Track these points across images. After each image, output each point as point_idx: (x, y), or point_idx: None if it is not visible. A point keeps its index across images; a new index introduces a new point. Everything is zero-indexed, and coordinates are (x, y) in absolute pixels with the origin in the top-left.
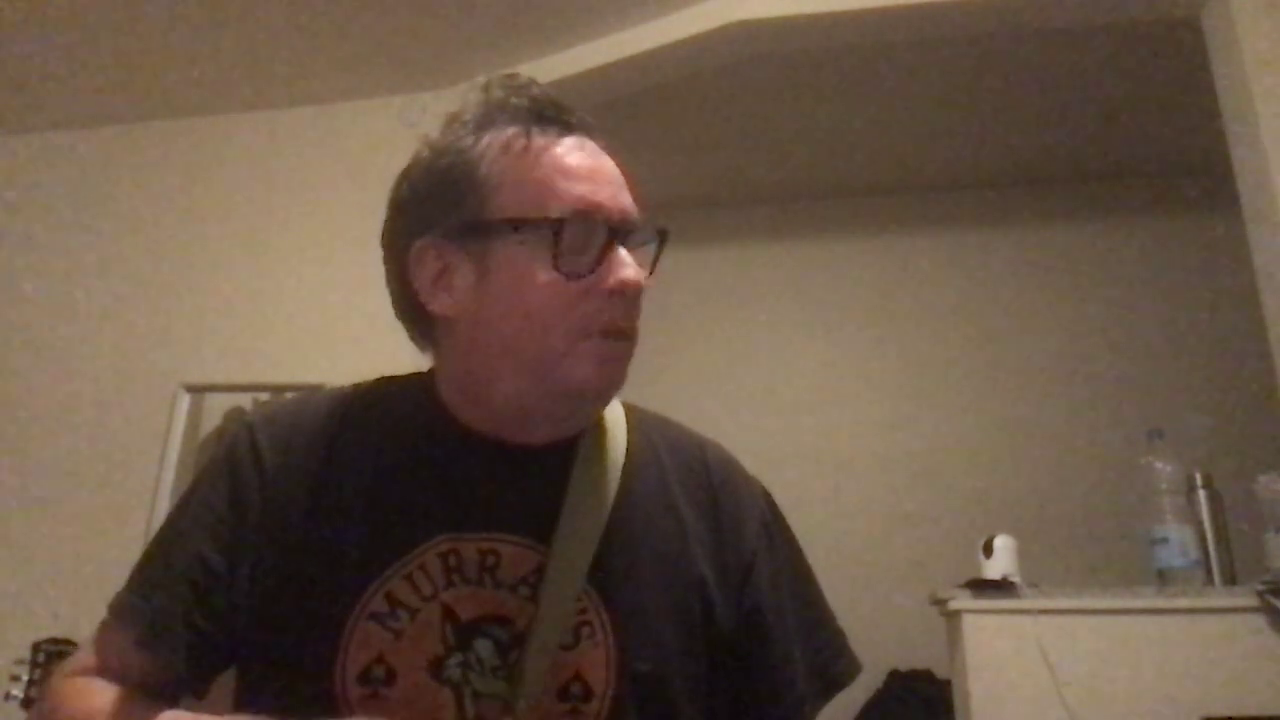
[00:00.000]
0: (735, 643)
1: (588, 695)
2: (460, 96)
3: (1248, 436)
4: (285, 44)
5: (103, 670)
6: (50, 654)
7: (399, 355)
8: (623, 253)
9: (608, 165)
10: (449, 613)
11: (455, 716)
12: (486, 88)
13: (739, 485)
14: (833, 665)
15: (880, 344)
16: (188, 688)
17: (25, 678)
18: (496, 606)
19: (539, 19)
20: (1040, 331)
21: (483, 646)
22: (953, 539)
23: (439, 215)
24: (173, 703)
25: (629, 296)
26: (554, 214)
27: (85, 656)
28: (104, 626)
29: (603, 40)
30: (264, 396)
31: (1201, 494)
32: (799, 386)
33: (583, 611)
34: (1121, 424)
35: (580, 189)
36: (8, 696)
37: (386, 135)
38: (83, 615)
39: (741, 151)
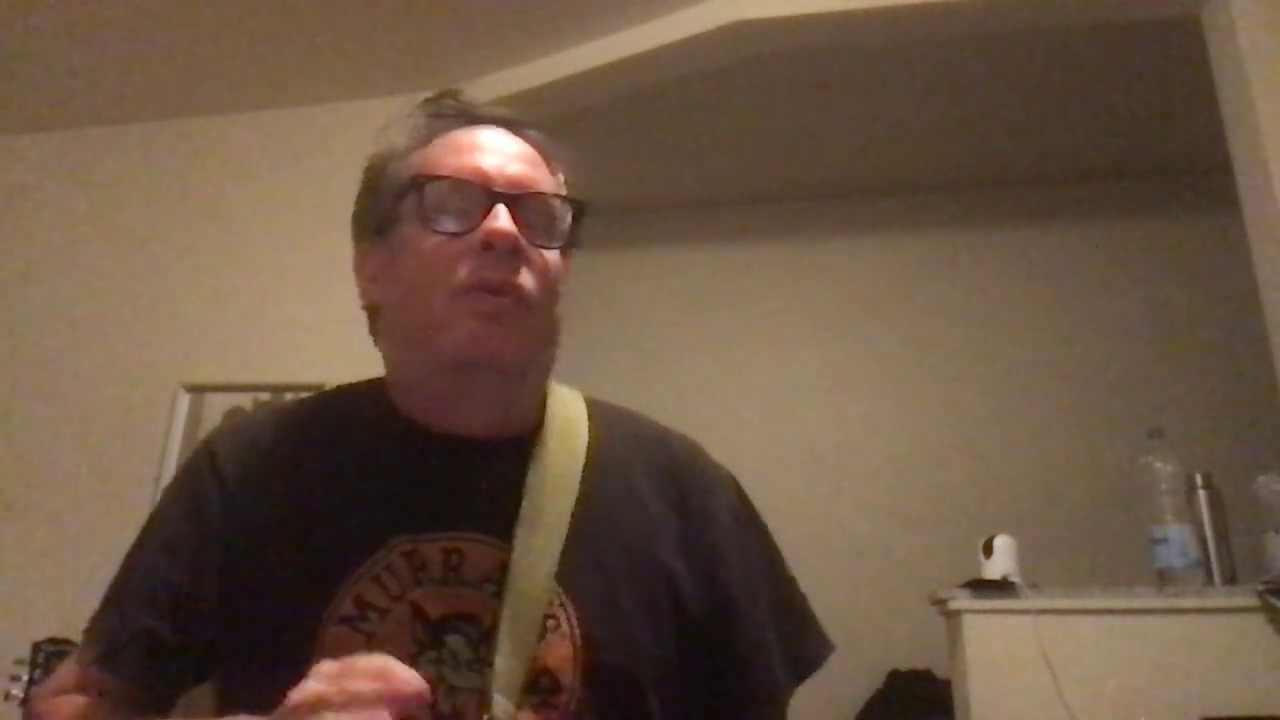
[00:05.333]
0: (707, 631)
1: (556, 688)
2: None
3: (1248, 436)
4: (286, 44)
5: (74, 690)
6: (50, 654)
7: None
8: (499, 210)
9: (505, 143)
10: (418, 611)
11: (431, 711)
12: (420, 104)
13: (706, 474)
14: (806, 647)
15: (880, 344)
16: (156, 702)
17: (25, 678)
18: (463, 604)
19: (539, 19)
20: (1040, 331)
21: (455, 641)
22: (953, 539)
23: (366, 219)
24: (142, 716)
25: (501, 249)
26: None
27: (60, 679)
28: (78, 649)
29: (603, 40)
30: (264, 396)
31: (1201, 494)
32: (799, 387)
33: (548, 605)
34: (1121, 424)
35: (460, 159)
36: (7, 696)
37: None
38: (83, 615)
39: (741, 151)
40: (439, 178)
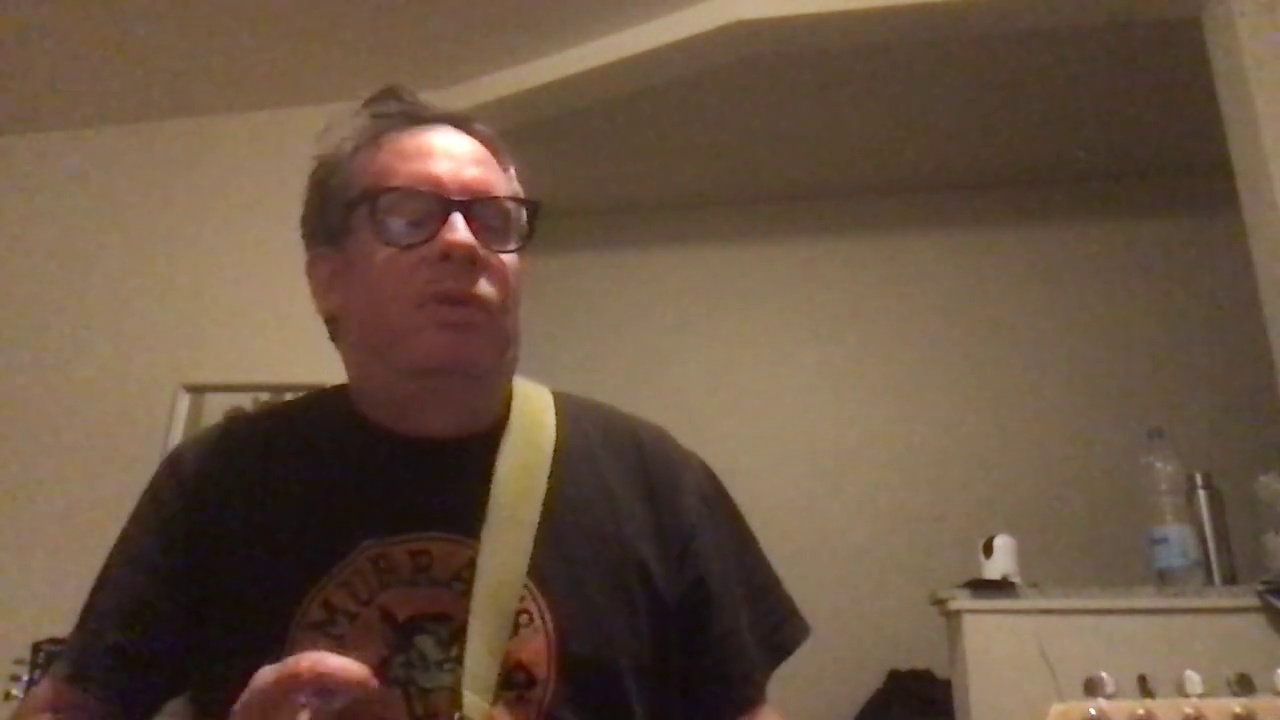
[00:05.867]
0: (681, 618)
1: (531, 682)
2: (457, 100)
3: (1248, 436)
4: (285, 44)
5: (47, 708)
6: (50, 654)
7: None
8: (455, 219)
9: (455, 145)
10: (386, 614)
11: (406, 713)
12: (364, 104)
13: (674, 461)
14: (780, 631)
15: (880, 344)
16: (132, 716)
17: (25, 678)
18: (433, 604)
19: (538, 19)
20: (1040, 331)
21: (424, 642)
22: (953, 539)
23: (317, 226)
24: None
25: (459, 260)
26: (382, 191)
27: (35, 696)
28: (52, 666)
29: (602, 40)
30: (264, 396)
31: (1201, 494)
32: (799, 387)
33: (520, 600)
34: (1121, 424)
35: (412, 166)
36: (8, 696)
37: None
38: None
39: (741, 151)
40: (391, 189)
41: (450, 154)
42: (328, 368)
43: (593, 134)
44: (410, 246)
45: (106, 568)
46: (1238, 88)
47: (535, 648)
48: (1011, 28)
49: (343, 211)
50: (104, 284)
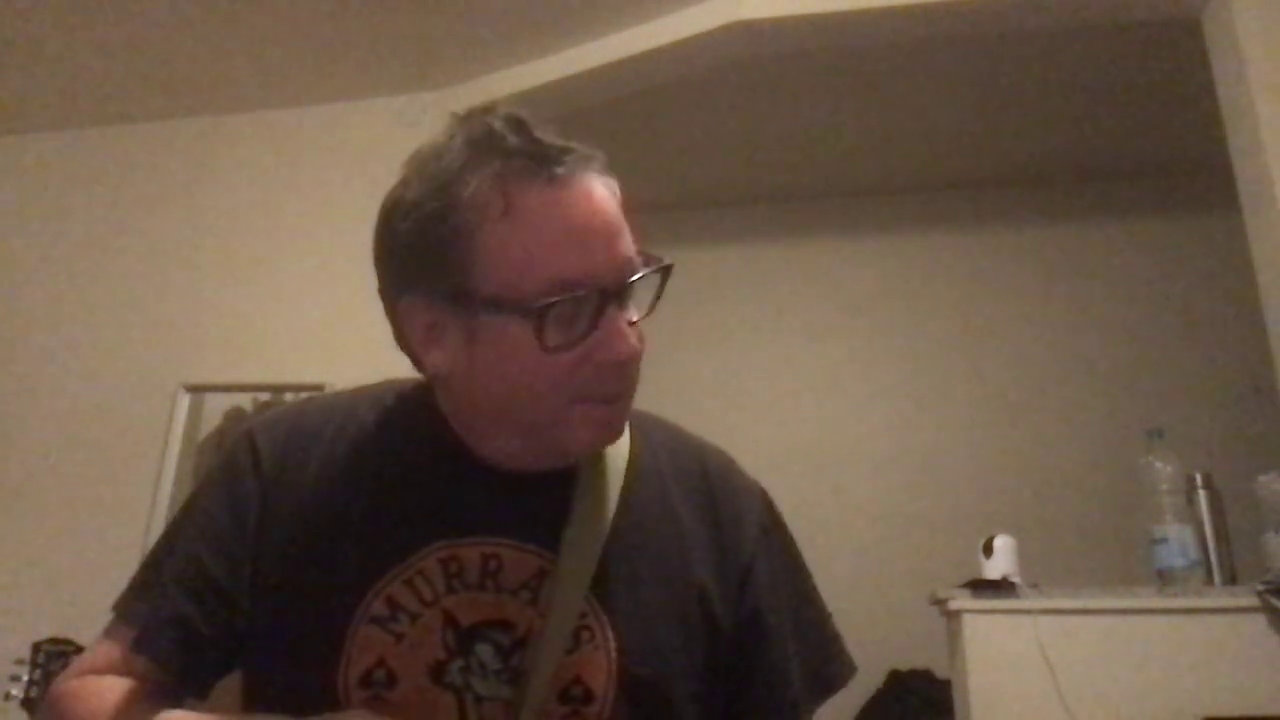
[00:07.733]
0: (734, 645)
1: (588, 698)
2: (457, 100)
3: (1248, 436)
4: (285, 44)
5: (105, 670)
6: (50, 654)
7: (399, 356)
8: (621, 323)
9: (602, 211)
10: (450, 619)
11: None
12: (467, 124)
13: (737, 489)
14: (829, 667)
15: (880, 344)
16: (188, 689)
17: (25, 678)
18: (498, 611)
19: (539, 19)
20: (1040, 331)
21: (484, 651)
22: (953, 539)
23: (423, 274)
24: (175, 702)
25: (625, 367)
26: (537, 293)
27: (90, 657)
28: (107, 628)
29: (603, 40)
30: (264, 396)
31: (1201, 494)
32: (799, 387)
33: (582, 616)
34: (1121, 424)
35: (567, 258)
36: (8, 696)
37: (386, 135)
38: (83, 615)
39: (741, 151)
40: (547, 305)
41: (599, 230)
42: (328, 368)
43: (592, 134)
44: (567, 349)
45: (173, 536)
46: (1238, 88)
47: (596, 664)
48: (1012, 28)
49: (482, 298)
50: (104, 284)
